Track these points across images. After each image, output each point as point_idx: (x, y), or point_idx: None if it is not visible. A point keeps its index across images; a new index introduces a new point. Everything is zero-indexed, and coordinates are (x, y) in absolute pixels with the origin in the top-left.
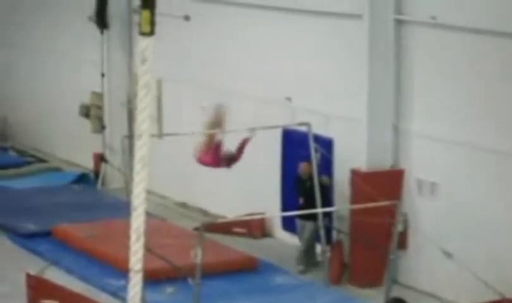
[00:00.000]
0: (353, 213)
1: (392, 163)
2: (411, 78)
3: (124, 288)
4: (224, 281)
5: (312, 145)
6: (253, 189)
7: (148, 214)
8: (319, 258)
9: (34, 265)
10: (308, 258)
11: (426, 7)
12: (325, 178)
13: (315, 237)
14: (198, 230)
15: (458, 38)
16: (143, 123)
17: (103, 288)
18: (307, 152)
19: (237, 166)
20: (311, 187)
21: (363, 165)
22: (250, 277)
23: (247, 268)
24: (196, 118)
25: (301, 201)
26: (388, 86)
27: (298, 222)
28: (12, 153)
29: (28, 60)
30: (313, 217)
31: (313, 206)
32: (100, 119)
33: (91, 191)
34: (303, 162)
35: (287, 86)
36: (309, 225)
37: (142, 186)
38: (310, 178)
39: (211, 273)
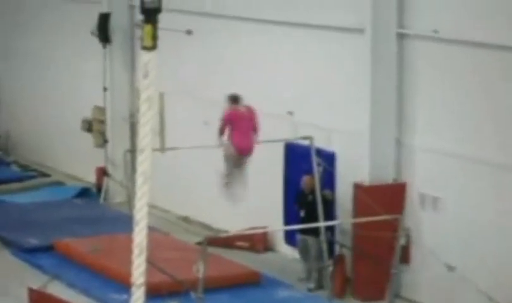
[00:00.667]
0: (355, 226)
1: (395, 177)
2: (414, 92)
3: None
4: (227, 295)
5: (314, 159)
6: (255, 203)
7: (151, 228)
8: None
9: (36, 279)
10: (319, 276)
11: (429, 21)
12: (327, 193)
13: (321, 252)
14: (201, 244)
15: (461, 51)
16: (146, 137)
17: (106, 302)
18: (309, 166)
19: (239, 180)
20: (314, 201)
21: (365, 178)
22: (253, 291)
23: (250, 282)
24: (198, 133)
25: (302, 214)
26: (390, 100)
27: (298, 236)
28: (14, 168)
29: (30, 75)
30: (315, 232)
31: (315, 220)
32: (102, 133)
33: (94, 205)
34: (306, 176)
35: (289, 100)
36: (311, 241)
37: (144, 200)
38: (312, 192)
39: (213, 287)
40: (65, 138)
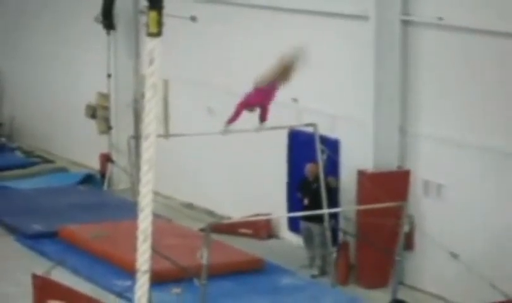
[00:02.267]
0: (359, 214)
1: (399, 164)
2: (418, 79)
3: (131, 289)
4: (230, 282)
5: (318, 146)
6: (259, 189)
7: (154, 215)
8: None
9: (40, 266)
10: (323, 263)
11: (433, 8)
12: (331, 180)
13: (325, 240)
14: (205, 231)
15: (465, 39)
16: (150, 124)
17: (110, 289)
18: (313, 153)
19: (243, 167)
20: (318, 189)
21: (369, 166)
22: (256, 278)
23: (253, 269)
24: (202, 119)
25: (306, 201)
26: (394, 87)
27: (302, 224)
28: (19, 154)
29: (34, 61)
30: (319, 219)
31: (319, 207)
32: (106, 120)
33: (98, 192)
34: (310, 163)
35: (293, 87)
36: (316, 229)
37: (149, 187)
38: (317, 179)
39: (217, 273)
40: (69, 124)
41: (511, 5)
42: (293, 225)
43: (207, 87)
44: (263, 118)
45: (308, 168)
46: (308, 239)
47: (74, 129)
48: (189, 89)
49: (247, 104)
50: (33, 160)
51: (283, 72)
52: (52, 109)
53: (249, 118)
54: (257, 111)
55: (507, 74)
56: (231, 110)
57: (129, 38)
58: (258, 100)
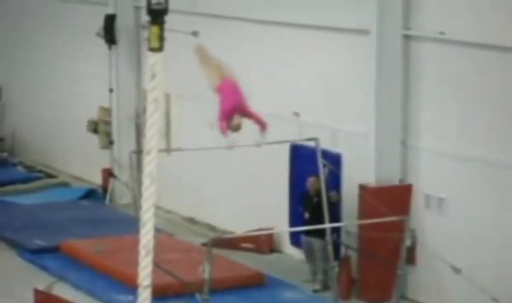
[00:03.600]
0: (361, 228)
1: (400, 179)
2: (419, 93)
3: None
4: (232, 297)
5: (320, 160)
6: (261, 204)
7: (156, 230)
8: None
9: (42, 281)
10: (325, 277)
11: (435, 23)
12: (333, 194)
13: (326, 254)
14: (206, 246)
15: (467, 53)
16: (152, 139)
17: None
18: (315, 167)
19: (245, 182)
20: (319, 203)
21: (371, 180)
22: (258, 292)
23: (255, 284)
24: (203, 134)
25: (306, 216)
26: (396, 101)
27: (304, 238)
28: (20, 169)
29: (36, 76)
30: (320, 233)
31: (320, 221)
32: (108, 135)
33: (100, 207)
34: (311, 177)
35: (295, 102)
36: (317, 243)
37: (151, 201)
38: (318, 193)
39: (219, 288)
40: (71, 139)
41: None
42: (295, 239)
43: (209, 102)
44: (262, 127)
45: (309, 182)
46: (309, 254)
47: (76, 143)
48: (191, 104)
49: (225, 114)
50: (35, 174)
51: (209, 63)
52: (54, 124)
53: (252, 132)
54: (241, 129)
55: (508, 88)
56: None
57: (131, 53)
58: (230, 102)
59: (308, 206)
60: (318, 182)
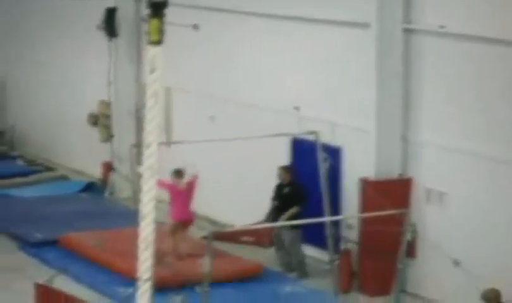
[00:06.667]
0: (362, 221)
1: (401, 172)
2: (420, 87)
3: (133, 297)
4: (232, 290)
5: (321, 154)
6: (261, 197)
7: (156, 223)
8: (328, 266)
9: (42, 274)
10: (299, 266)
11: (435, 16)
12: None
13: (298, 245)
14: (207, 239)
15: (467, 47)
16: (152, 132)
17: (112, 297)
18: (315, 161)
19: (245, 175)
20: (290, 194)
21: (371, 173)
22: (258, 285)
23: (255, 277)
24: (204, 127)
25: (275, 204)
26: (396, 95)
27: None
28: (20, 162)
29: (36, 69)
30: (290, 225)
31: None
32: (108, 128)
33: (100, 200)
34: (280, 167)
35: (295, 95)
36: (284, 233)
37: (151, 195)
38: (290, 184)
39: (219, 281)
40: (71, 133)
41: None
42: None
43: (209, 95)
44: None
45: (278, 171)
46: (278, 244)
47: (76, 137)
48: (191, 97)
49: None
50: (34, 168)
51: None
52: (54, 117)
53: (252, 127)
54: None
55: (509, 82)
56: (232, 118)
57: (131, 46)
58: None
59: (278, 195)
60: (285, 172)
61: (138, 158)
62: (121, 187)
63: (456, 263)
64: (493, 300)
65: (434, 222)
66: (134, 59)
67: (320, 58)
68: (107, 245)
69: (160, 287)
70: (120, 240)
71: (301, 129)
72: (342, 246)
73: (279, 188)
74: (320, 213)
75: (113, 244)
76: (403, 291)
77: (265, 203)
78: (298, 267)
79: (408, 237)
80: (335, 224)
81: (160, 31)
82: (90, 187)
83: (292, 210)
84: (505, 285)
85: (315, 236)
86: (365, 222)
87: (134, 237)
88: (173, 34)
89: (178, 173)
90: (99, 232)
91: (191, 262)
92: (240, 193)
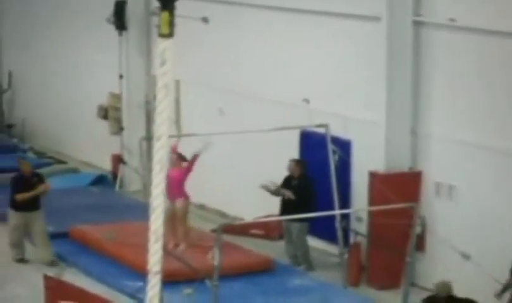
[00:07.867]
0: (371, 215)
1: (410, 166)
2: (430, 80)
3: (142, 290)
4: (242, 283)
5: (330, 147)
6: None
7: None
8: (336, 260)
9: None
10: (305, 260)
11: (445, 9)
12: (287, 193)
13: (304, 237)
14: (216, 232)
15: (477, 40)
16: (162, 125)
17: (121, 290)
18: (325, 154)
19: (255, 168)
20: (298, 186)
21: (381, 167)
22: (268, 278)
23: (264, 270)
24: (213, 120)
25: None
26: (406, 88)
27: (284, 223)
28: (30, 155)
29: (46, 62)
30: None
31: (297, 205)
32: (118, 121)
33: (110, 193)
34: (290, 160)
35: (305, 88)
36: (292, 226)
37: (161, 188)
38: (300, 178)
39: (228, 274)
40: (81, 125)
41: None
42: None
43: (219, 88)
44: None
45: (289, 165)
46: (287, 236)
47: (86, 129)
48: (200, 90)
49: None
50: (45, 160)
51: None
52: (64, 110)
53: (260, 119)
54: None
55: None
56: (242, 111)
57: (141, 39)
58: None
59: (285, 187)
60: (296, 166)
61: (148, 151)
62: (131, 180)
63: (466, 257)
64: (444, 293)
65: (443, 215)
66: (144, 52)
67: (330, 51)
68: (117, 238)
69: (170, 280)
70: (130, 233)
71: (310, 122)
72: (352, 239)
73: (288, 180)
74: (329, 206)
75: (123, 237)
76: (412, 284)
77: (273, 196)
78: (303, 260)
79: (417, 230)
80: (345, 217)
81: (171, 24)
82: (99, 180)
83: (289, 194)
84: None
85: (324, 229)
86: (374, 215)
87: (144, 230)
88: (182, 27)
89: (180, 156)
90: (109, 225)
91: (201, 255)
92: (249, 186)
